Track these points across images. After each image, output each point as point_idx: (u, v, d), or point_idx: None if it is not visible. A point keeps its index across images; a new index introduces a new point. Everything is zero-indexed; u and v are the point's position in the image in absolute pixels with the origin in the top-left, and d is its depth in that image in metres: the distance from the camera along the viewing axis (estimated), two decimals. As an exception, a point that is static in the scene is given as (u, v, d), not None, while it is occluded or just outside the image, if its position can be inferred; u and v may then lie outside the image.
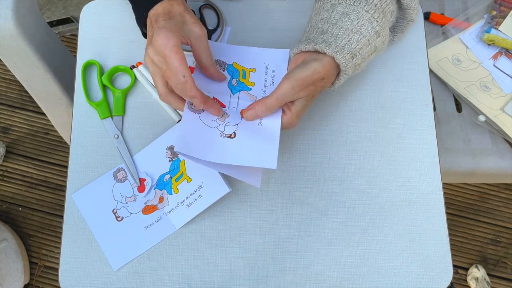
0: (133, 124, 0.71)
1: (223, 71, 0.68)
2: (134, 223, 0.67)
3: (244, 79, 0.67)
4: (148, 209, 0.68)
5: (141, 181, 0.69)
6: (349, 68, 0.62)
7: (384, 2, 0.64)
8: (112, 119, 0.71)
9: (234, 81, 0.67)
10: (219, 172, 0.66)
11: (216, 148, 0.61)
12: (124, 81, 0.74)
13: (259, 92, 0.67)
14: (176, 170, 0.68)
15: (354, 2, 0.64)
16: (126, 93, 0.73)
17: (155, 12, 0.61)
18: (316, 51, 0.62)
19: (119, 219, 0.68)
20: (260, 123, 0.63)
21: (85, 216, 0.68)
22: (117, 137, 0.70)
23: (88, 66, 0.74)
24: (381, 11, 0.64)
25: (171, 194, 0.68)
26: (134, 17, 0.66)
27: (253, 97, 0.66)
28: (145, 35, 0.66)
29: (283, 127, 0.63)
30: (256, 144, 0.61)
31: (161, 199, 0.68)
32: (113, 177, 0.69)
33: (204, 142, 0.61)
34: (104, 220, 0.67)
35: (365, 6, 0.63)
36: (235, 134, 0.62)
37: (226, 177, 0.67)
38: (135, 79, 0.73)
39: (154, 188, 0.68)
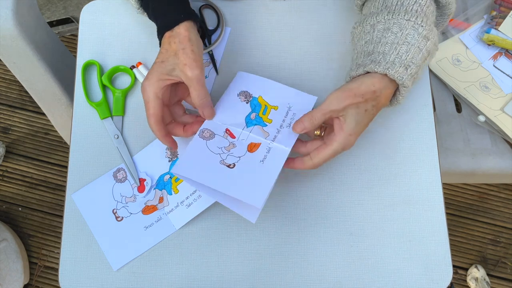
0: (133, 124, 0.71)
1: (246, 103, 0.68)
2: (134, 223, 0.67)
3: (264, 115, 0.67)
4: (148, 209, 0.68)
5: (141, 181, 0.69)
6: (407, 80, 0.60)
7: (424, 5, 0.62)
8: (112, 119, 0.71)
9: (253, 115, 0.67)
10: None
11: (213, 174, 0.61)
12: (124, 81, 0.74)
13: (273, 130, 0.65)
14: None
15: (393, 15, 0.62)
16: (126, 93, 0.73)
17: (161, 45, 0.64)
18: (367, 73, 0.61)
19: (119, 219, 0.68)
20: (263, 161, 0.62)
21: (85, 216, 0.68)
22: (117, 137, 0.70)
23: (88, 66, 0.74)
24: (424, 15, 0.62)
25: (171, 194, 0.68)
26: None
27: (266, 133, 0.65)
28: None
29: (341, 148, 0.60)
30: (251, 179, 0.61)
31: (161, 199, 0.68)
32: (113, 177, 0.69)
33: (203, 166, 0.62)
34: (104, 220, 0.67)
35: (405, 15, 0.61)
36: (234, 165, 0.62)
37: None
38: (135, 79, 0.73)
39: (154, 188, 0.68)
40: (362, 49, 0.64)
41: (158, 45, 0.65)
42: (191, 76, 0.61)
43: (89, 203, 0.68)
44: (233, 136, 0.65)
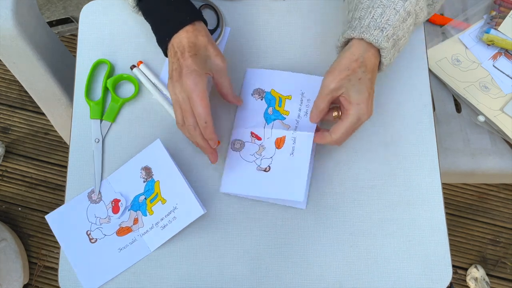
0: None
1: (261, 100, 0.70)
2: (108, 245, 0.66)
3: (280, 107, 0.70)
4: (123, 231, 0.67)
5: (116, 202, 0.67)
6: (383, 42, 0.60)
7: None
8: (101, 122, 0.71)
9: (270, 110, 0.70)
10: (194, 194, 0.66)
11: (253, 182, 0.66)
12: (127, 90, 0.73)
13: (293, 122, 0.69)
14: (150, 191, 0.67)
15: None
16: (124, 102, 0.72)
17: (179, 42, 0.63)
18: (348, 42, 0.63)
19: (92, 241, 0.66)
20: (292, 154, 0.66)
21: (59, 238, 0.66)
22: (97, 142, 0.70)
23: (97, 65, 0.74)
24: None
25: (145, 215, 0.67)
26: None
27: (287, 126, 0.68)
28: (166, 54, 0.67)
29: (356, 119, 0.61)
30: (287, 177, 0.65)
31: (135, 221, 0.67)
32: (87, 197, 0.68)
33: (244, 178, 0.67)
34: (77, 242, 0.66)
35: None
36: (269, 167, 0.67)
37: (201, 198, 0.67)
38: (138, 91, 0.72)
39: (129, 210, 0.67)
40: (346, 20, 0.66)
41: (161, 42, 0.65)
42: (223, 66, 0.64)
43: (63, 224, 0.67)
44: (259, 138, 0.68)
